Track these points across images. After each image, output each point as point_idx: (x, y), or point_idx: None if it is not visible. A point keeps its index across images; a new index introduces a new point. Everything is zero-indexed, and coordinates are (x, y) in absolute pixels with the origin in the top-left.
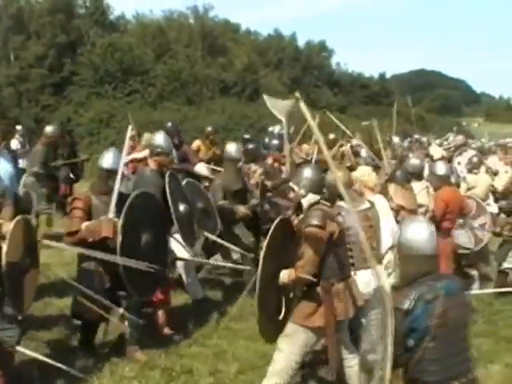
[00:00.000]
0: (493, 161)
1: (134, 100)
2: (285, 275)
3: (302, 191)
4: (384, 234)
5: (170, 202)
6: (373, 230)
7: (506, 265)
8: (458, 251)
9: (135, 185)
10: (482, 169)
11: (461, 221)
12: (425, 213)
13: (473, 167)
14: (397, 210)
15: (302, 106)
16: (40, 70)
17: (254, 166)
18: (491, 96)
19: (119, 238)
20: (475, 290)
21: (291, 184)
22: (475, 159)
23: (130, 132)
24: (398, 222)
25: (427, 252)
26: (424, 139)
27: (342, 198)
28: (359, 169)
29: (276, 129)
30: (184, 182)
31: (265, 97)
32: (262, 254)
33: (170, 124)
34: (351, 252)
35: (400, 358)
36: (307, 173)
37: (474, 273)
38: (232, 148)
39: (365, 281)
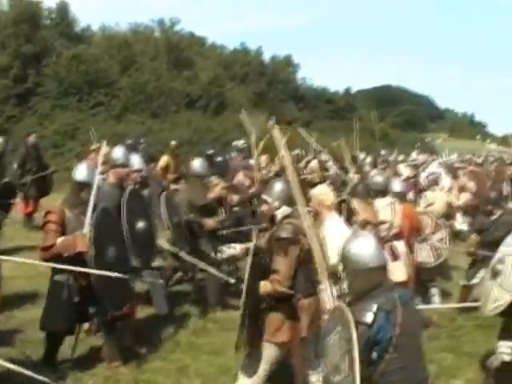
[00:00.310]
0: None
1: (99, 112)
2: (261, 287)
3: (276, 203)
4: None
5: (124, 219)
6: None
7: (473, 281)
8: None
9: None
10: (442, 185)
11: (419, 237)
12: (389, 229)
13: (431, 184)
14: (363, 225)
15: (276, 132)
16: (4, 80)
17: (215, 180)
18: (455, 112)
19: (91, 253)
20: (436, 304)
21: (264, 197)
22: (432, 177)
23: (104, 146)
24: None
25: (375, 264)
26: (391, 157)
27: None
28: (318, 187)
29: (239, 143)
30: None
31: (242, 114)
32: (247, 269)
33: (130, 141)
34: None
35: (363, 373)
36: (280, 186)
37: (435, 288)
38: (197, 164)
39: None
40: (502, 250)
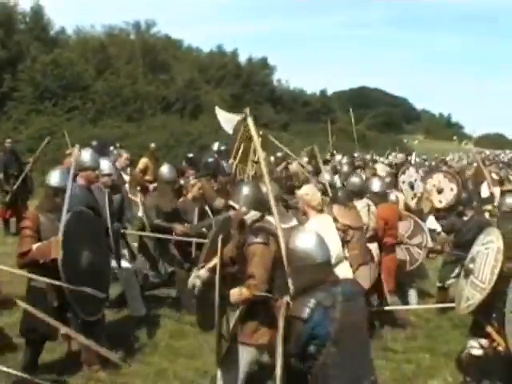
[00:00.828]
0: (438, 178)
1: (74, 117)
2: (235, 294)
3: (244, 209)
4: (333, 248)
5: (108, 221)
6: None
7: (448, 282)
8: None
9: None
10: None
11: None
12: (365, 231)
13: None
14: (344, 230)
15: (250, 121)
16: None
17: (192, 180)
18: (431, 113)
19: (60, 256)
20: (414, 305)
21: (231, 202)
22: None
23: (76, 150)
24: (347, 241)
25: (318, 260)
26: (367, 156)
27: (270, 213)
28: (303, 187)
29: (215, 146)
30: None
31: (216, 110)
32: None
33: (95, 143)
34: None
35: (296, 365)
36: (246, 190)
37: (412, 289)
38: (165, 170)
39: None
40: (474, 248)
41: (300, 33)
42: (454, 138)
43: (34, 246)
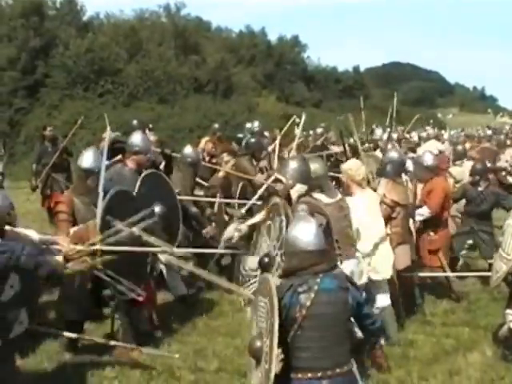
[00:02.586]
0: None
1: (107, 101)
2: None
3: (291, 182)
4: (377, 226)
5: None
6: (348, 220)
7: (462, 253)
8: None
9: (114, 185)
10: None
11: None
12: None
13: (457, 158)
14: (391, 207)
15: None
16: (13, 72)
17: (226, 156)
18: (465, 87)
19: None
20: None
21: (278, 175)
22: (460, 147)
23: (108, 134)
24: (392, 218)
25: (309, 248)
26: (408, 135)
27: (321, 190)
28: (348, 162)
29: (254, 125)
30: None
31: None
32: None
33: (135, 122)
34: (337, 243)
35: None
36: (294, 164)
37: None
38: (188, 151)
39: (350, 270)
40: (506, 223)
41: (329, 9)
42: (489, 110)
43: (72, 230)
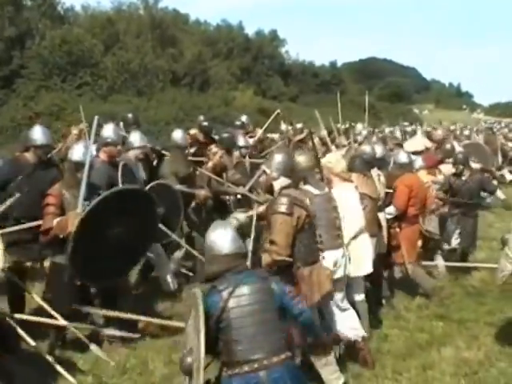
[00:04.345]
0: None
1: (84, 92)
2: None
3: (274, 174)
4: (355, 218)
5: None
6: (336, 211)
7: (453, 242)
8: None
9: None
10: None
11: (433, 206)
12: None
13: (446, 156)
14: (361, 198)
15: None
16: None
17: (214, 148)
18: (441, 83)
19: (72, 231)
20: (442, 268)
21: (263, 167)
22: (448, 146)
23: (82, 126)
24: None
25: (224, 251)
26: (388, 129)
27: (306, 182)
28: (327, 155)
29: (243, 118)
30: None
31: None
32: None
33: (130, 115)
34: (324, 233)
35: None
36: (280, 157)
37: (439, 255)
38: (178, 135)
39: (332, 260)
40: None
41: (308, 4)
42: (464, 106)
43: (54, 221)
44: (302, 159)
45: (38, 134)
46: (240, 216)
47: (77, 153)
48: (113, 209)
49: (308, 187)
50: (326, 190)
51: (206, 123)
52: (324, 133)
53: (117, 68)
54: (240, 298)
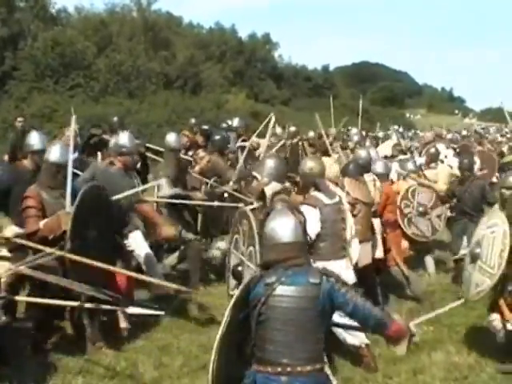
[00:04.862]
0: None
1: (77, 94)
2: None
3: (266, 179)
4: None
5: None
6: (344, 222)
7: (462, 251)
8: (415, 239)
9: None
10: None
11: (420, 209)
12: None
13: (431, 161)
14: (353, 204)
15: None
16: None
17: (201, 153)
18: (433, 88)
19: (68, 229)
20: (432, 273)
21: (254, 173)
22: (433, 150)
23: (73, 125)
24: (354, 216)
25: (284, 240)
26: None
27: (316, 188)
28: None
29: (235, 121)
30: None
31: None
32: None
33: (115, 119)
34: (323, 243)
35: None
36: (271, 162)
37: (429, 257)
38: (172, 138)
39: (336, 270)
40: (479, 232)
41: (301, 8)
42: (456, 111)
43: (41, 223)
44: (313, 164)
45: (34, 139)
46: (220, 244)
47: (54, 154)
48: (91, 203)
49: (318, 194)
50: (337, 198)
51: (206, 127)
52: (312, 134)
53: (109, 70)
54: (282, 298)
